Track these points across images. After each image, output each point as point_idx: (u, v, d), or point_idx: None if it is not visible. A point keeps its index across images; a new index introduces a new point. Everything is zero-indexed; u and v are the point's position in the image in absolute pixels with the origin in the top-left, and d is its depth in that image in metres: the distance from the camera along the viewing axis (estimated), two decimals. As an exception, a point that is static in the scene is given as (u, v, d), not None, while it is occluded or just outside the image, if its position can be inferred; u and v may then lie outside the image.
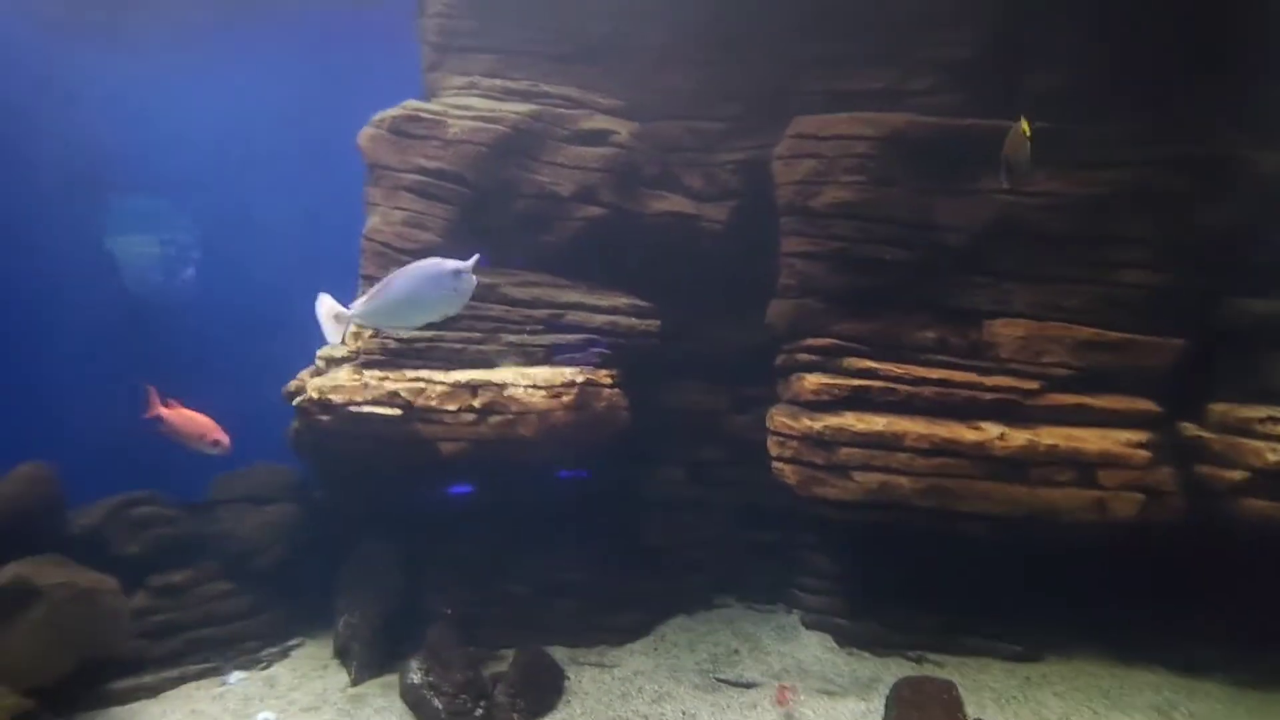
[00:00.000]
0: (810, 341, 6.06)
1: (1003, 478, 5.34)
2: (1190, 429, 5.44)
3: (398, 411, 5.61)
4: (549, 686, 5.88)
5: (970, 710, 5.43)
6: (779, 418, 5.92)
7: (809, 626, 6.73)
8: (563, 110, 6.34)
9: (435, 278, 4.16)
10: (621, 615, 6.68)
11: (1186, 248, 5.63)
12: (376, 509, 6.72)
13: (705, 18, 6.45)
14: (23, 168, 6.96)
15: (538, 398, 5.44)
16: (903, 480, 5.42)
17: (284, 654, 6.72)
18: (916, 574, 6.33)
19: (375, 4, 6.99)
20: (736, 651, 6.50)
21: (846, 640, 6.44)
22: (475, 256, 4.25)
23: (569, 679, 6.12)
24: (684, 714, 5.62)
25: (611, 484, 6.69)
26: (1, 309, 7.04)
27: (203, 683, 6.21)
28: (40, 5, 6.77)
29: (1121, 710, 5.58)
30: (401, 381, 5.65)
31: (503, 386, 5.50)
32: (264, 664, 6.56)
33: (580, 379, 5.57)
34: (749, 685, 6.00)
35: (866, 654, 6.35)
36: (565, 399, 5.47)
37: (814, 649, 6.50)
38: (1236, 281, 5.62)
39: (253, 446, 6.63)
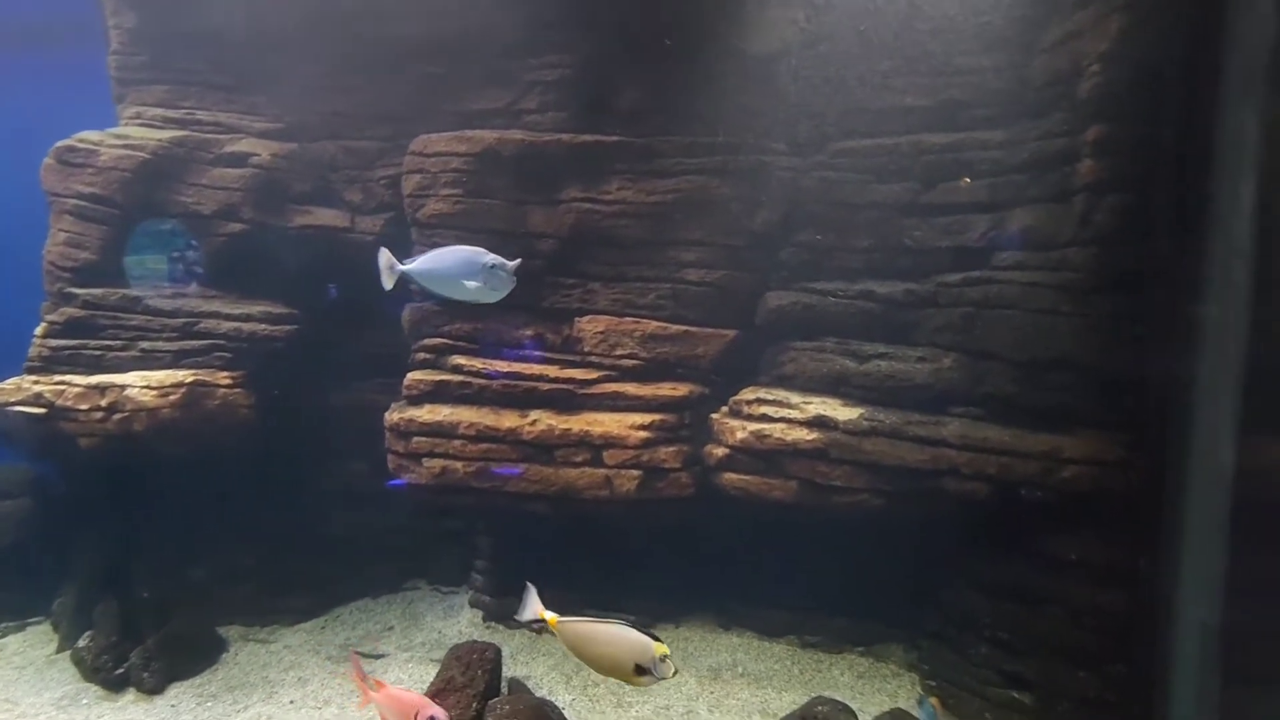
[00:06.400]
0: (426, 341, 6.64)
1: (535, 460, 5.87)
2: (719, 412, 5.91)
3: (43, 410, 6.35)
4: (193, 655, 6.58)
5: (518, 670, 6.03)
6: (387, 412, 6.52)
7: (471, 605, 7.31)
8: (211, 135, 6.98)
9: (470, 263, 4.51)
10: (298, 598, 7.32)
11: (735, 248, 6.11)
12: (92, 502, 7.47)
13: (345, 49, 7.03)
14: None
15: (149, 397, 6.13)
16: (458, 465, 5.98)
17: (21, 628, 7.65)
18: (554, 554, 6.89)
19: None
20: (391, 628, 7.12)
21: (491, 617, 7.02)
22: (518, 260, 4.63)
23: (228, 652, 6.84)
24: (299, 680, 6.28)
25: (289, 477, 7.34)
26: None
27: (-55, 645, 7.24)
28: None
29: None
30: (48, 385, 6.38)
31: (124, 388, 6.20)
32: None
33: (189, 380, 6.24)
34: (379, 656, 6.62)
35: (500, 627, 6.94)
36: (172, 398, 6.14)
37: (463, 625, 7.09)
38: (774, 277, 6.08)
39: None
